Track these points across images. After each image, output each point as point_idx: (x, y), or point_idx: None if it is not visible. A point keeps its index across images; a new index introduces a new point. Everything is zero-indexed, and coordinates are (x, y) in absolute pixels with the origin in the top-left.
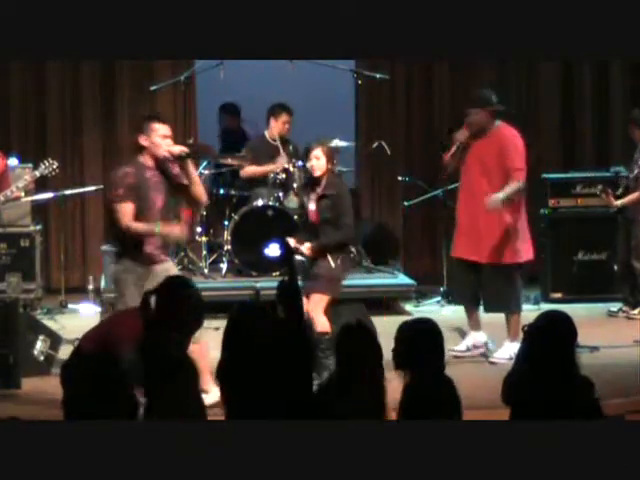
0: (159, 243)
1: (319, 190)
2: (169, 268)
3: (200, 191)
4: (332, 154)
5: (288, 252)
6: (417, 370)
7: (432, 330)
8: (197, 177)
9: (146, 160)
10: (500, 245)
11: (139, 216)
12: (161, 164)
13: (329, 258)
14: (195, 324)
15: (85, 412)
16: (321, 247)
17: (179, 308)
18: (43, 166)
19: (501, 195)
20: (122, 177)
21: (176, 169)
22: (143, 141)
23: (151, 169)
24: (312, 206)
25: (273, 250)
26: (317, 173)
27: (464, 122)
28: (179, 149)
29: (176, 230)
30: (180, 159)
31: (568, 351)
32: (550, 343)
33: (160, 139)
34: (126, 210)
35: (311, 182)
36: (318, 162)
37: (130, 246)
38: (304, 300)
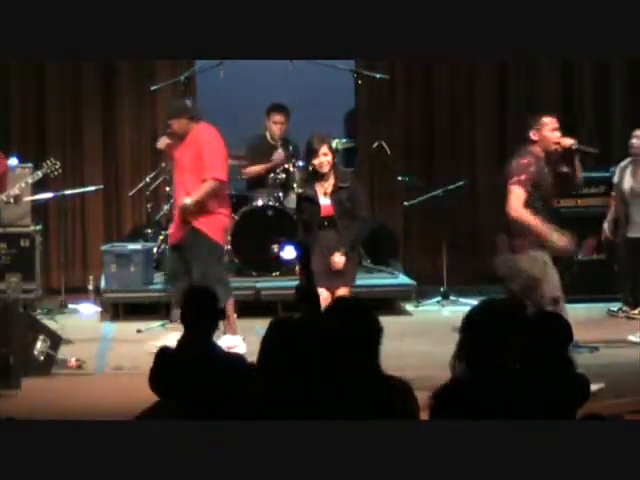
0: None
1: (330, 184)
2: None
3: (580, 180)
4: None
5: (304, 254)
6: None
7: None
8: (580, 166)
9: (538, 153)
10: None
11: (531, 207)
12: (550, 156)
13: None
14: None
15: None
16: (352, 243)
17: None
18: (46, 166)
19: (188, 200)
20: (527, 165)
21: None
22: (533, 136)
23: (543, 162)
24: (325, 200)
25: (288, 252)
26: (326, 169)
27: (167, 134)
28: (570, 141)
29: (563, 242)
30: (571, 151)
31: (562, 349)
32: (544, 343)
33: (550, 132)
34: (520, 196)
35: (317, 178)
36: (327, 158)
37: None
38: (327, 295)
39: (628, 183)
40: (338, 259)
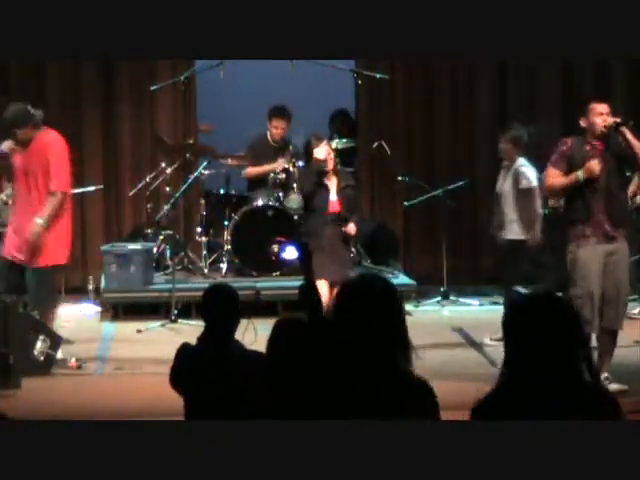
0: (604, 217)
1: (334, 182)
2: (620, 249)
3: None
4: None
5: (306, 255)
6: None
7: None
8: (637, 142)
9: (588, 138)
10: (37, 249)
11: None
12: (608, 138)
13: (350, 246)
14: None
15: None
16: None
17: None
18: None
19: (41, 221)
20: (560, 145)
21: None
22: (583, 123)
23: (590, 144)
24: (334, 197)
25: (290, 253)
26: (330, 165)
27: (14, 140)
28: (611, 120)
29: (589, 170)
30: (615, 130)
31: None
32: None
33: (596, 117)
34: (551, 174)
35: (323, 176)
36: (331, 155)
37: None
38: (328, 290)
39: (500, 186)
40: (352, 226)
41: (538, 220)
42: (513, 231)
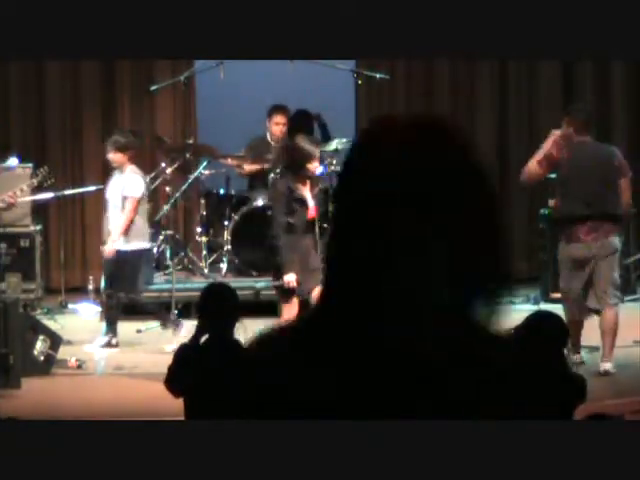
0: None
1: (314, 186)
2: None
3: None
4: None
5: None
6: None
7: None
8: None
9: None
10: None
11: None
12: None
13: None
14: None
15: None
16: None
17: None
18: (40, 174)
19: None
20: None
21: None
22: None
23: None
24: (313, 202)
25: None
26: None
27: None
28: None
29: None
30: None
31: (560, 351)
32: (541, 344)
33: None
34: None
35: (303, 180)
36: (317, 163)
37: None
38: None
39: (109, 192)
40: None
41: (132, 229)
42: (119, 240)
